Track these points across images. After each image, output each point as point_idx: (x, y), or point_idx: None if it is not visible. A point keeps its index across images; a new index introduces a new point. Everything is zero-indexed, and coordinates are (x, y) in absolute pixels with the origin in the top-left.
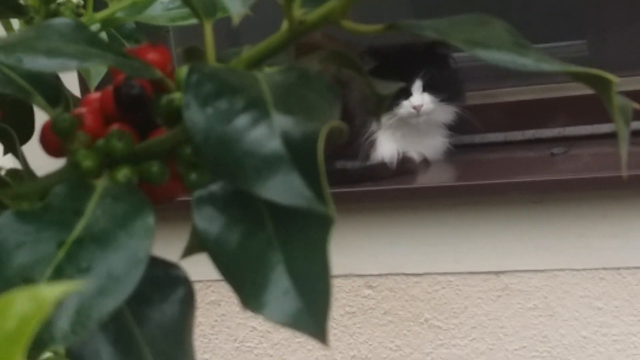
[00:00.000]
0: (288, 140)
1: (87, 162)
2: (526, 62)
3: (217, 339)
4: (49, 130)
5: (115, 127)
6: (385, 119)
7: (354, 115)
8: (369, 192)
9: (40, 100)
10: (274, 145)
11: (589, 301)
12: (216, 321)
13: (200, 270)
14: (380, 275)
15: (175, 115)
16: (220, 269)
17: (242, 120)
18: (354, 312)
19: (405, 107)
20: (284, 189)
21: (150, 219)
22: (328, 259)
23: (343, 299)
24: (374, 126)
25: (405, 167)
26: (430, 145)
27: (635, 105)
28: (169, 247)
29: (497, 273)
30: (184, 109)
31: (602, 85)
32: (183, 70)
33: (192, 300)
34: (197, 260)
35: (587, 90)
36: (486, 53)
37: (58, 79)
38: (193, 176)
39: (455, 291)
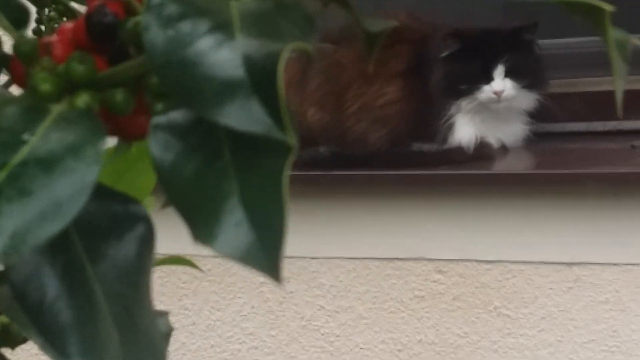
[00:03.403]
0: (250, 64)
1: (45, 86)
2: None
3: (284, 315)
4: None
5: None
6: (465, 103)
7: (433, 98)
8: (445, 176)
9: (3, 21)
10: (235, 69)
11: None
12: (284, 298)
13: None
14: (451, 260)
15: (141, 41)
16: (173, 199)
17: (204, 43)
18: (422, 296)
19: (486, 92)
20: (241, 114)
21: (101, 146)
22: (284, 190)
23: (413, 282)
24: (452, 110)
25: (482, 152)
26: (510, 131)
27: (635, 41)
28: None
29: (569, 264)
30: (143, 31)
31: (596, 16)
32: None
33: (152, 239)
34: None
35: None
36: None
37: None
38: (160, 107)
39: (527, 280)
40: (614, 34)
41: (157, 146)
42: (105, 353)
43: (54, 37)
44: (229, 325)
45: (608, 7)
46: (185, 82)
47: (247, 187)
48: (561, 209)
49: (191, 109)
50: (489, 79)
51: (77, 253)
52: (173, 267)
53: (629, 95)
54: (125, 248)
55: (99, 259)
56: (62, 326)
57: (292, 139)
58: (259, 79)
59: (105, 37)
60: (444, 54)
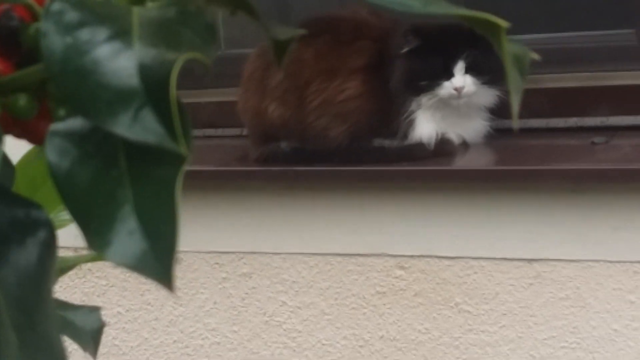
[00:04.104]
0: (145, 73)
1: None
2: (413, 3)
3: (246, 311)
4: None
5: None
6: (425, 99)
7: (394, 93)
8: (406, 172)
9: None
10: (130, 77)
11: (621, 294)
12: (247, 294)
13: (233, 242)
14: (412, 256)
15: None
16: (68, 205)
17: (102, 52)
18: (384, 292)
19: (447, 88)
20: (134, 124)
21: None
22: (176, 199)
23: (374, 278)
24: (413, 106)
25: (443, 148)
26: (470, 127)
27: (534, 55)
28: (199, 215)
29: (530, 261)
30: (41, 38)
31: (491, 30)
32: None
33: (53, 244)
34: (230, 231)
35: (632, 81)
36: None
37: None
38: (62, 112)
39: (487, 277)
40: (511, 48)
41: (54, 152)
42: (2, 358)
43: None
44: (192, 321)
45: (503, 23)
46: (80, 91)
47: (141, 196)
48: (522, 205)
49: (86, 117)
50: (449, 75)
51: None
52: None
53: (589, 92)
54: (26, 253)
55: (0, 264)
56: None
57: (184, 149)
58: (153, 88)
59: (11, 41)
60: (404, 50)
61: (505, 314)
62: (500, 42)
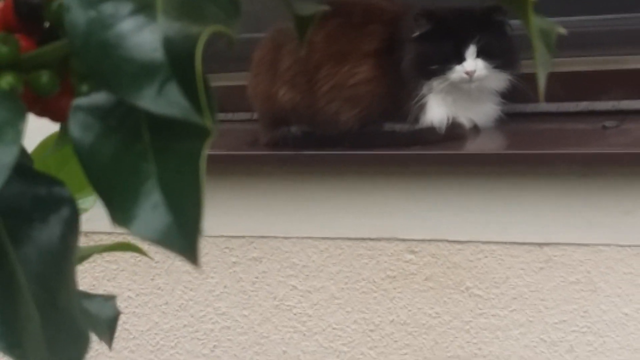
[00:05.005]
0: (170, 47)
1: None
2: None
3: (256, 295)
4: None
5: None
6: (436, 83)
7: (405, 78)
8: (416, 156)
9: None
10: (154, 51)
11: (632, 278)
12: (257, 278)
13: (243, 226)
14: (423, 240)
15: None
16: (92, 180)
17: (126, 26)
18: (394, 277)
19: (458, 72)
20: (159, 98)
21: (22, 126)
22: (201, 173)
23: (385, 262)
24: (424, 89)
25: (454, 132)
26: (481, 112)
27: (561, 30)
28: (209, 199)
29: (540, 245)
30: (65, 12)
31: (519, 4)
32: None
33: (76, 222)
34: (240, 216)
35: None
36: None
37: None
38: (84, 88)
39: (498, 261)
40: (538, 22)
41: (77, 127)
42: (24, 334)
43: None
44: (202, 305)
45: None
46: (104, 64)
47: (165, 170)
48: (533, 189)
49: (110, 91)
50: (460, 59)
51: None
52: (145, 247)
53: (602, 76)
54: (49, 230)
55: (22, 241)
56: None
57: (209, 123)
58: (178, 62)
59: (32, 17)
60: (415, 34)
61: (515, 298)
62: (528, 16)
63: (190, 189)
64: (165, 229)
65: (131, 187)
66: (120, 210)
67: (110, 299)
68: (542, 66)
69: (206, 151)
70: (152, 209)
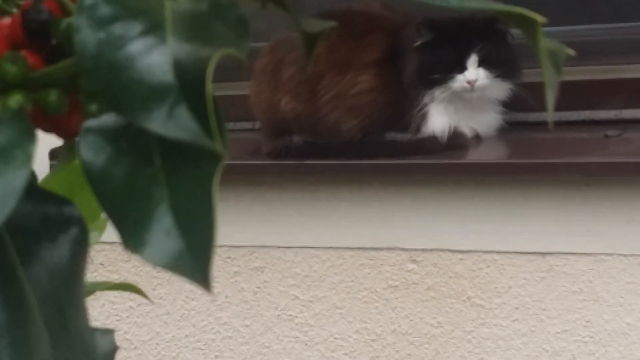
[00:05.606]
0: (180, 69)
1: None
2: None
3: (258, 305)
4: None
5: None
6: (438, 92)
7: (407, 87)
8: (418, 165)
9: None
10: (164, 74)
11: (635, 287)
12: (258, 288)
13: (245, 235)
14: (425, 250)
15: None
16: (103, 204)
17: (135, 47)
18: (396, 286)
19: (460, 81)
20: (169, 121)
21: (32, 149)
22: (213, 198)
23: (386, 272)
24: (426, 99)
25: (456, 141)
26: (483, 121)
27: (570, 51)
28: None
29: (542, 254)
30: (74, 33)
31: (527, 26)
32: None
33: (85, 241)
34: (241, 225)
35: None
36: None
37: None
38: (93, 107)
39: (500, 270)
40: (547, 43)
41: (88, 149)
42: (34, 354)
43: None
44: (203, 315)
45: (539, 18)
46: (113, 86)
47: (177, 194)
48: (535, 198)
49: (119, 113)
50: (462, 68)
51: (8, 255)
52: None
53: (603, 85)
54: (58, 250)
55: (32, 261)
56: None
57: (220, 147)
58: (188, 85)
59: (41, 35)
60: (417, 43)
61: (517, 308)
62: (537, 37)
63: (202, 214)
64: (177, 255)
65: (143, 212)
66: (132, 235)
67: (108, 332)
68: (550, 88)
69: (219, 175)
70: (164, 234)
